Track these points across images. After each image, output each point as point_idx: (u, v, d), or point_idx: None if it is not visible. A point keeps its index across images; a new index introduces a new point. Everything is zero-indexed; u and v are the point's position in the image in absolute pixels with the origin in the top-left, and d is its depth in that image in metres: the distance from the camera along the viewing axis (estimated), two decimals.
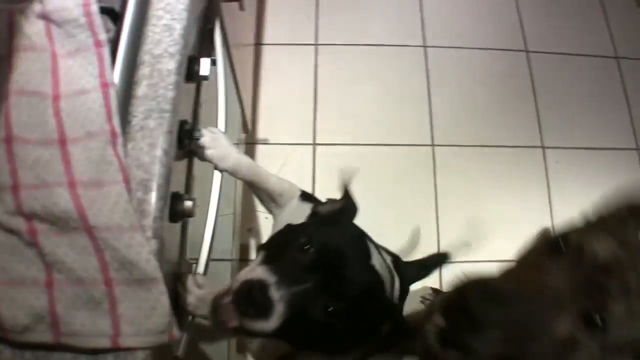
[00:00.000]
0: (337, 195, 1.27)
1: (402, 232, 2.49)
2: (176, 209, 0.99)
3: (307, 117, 2.75)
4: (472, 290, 0.90)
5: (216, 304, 0.99)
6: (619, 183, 2.80)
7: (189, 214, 1.02)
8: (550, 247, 0.97)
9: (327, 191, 2.50)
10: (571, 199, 2.65)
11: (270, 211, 1.44)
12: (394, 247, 1.59)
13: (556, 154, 2.79)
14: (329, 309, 0.96)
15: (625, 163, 2.88)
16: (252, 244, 2.45)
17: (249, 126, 2.47)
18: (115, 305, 0.81)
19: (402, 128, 2.78)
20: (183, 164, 1.14)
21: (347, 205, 1.20)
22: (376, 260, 1.11)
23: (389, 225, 2.50)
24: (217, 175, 1.22)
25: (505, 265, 1.04)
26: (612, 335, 0.83)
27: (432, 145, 2.74)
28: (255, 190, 1.40)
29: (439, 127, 2.80)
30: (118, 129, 0.87)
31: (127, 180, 0.84)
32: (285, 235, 1.10)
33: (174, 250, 1.08)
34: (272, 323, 0.92)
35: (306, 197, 1.44)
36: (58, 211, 0.80)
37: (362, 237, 1.13)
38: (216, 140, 1.23)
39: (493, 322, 0.85)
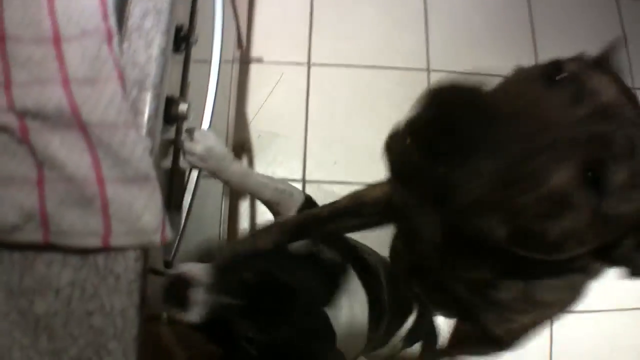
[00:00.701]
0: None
1: None
2: (171, 112, 0.99)
3: (303, 36, 2.71)
4: (456, 98, 0.68)
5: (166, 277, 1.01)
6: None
7: (184, 116, 1.01)
8: (543, 72, 0.78)
9: (319, 113, 2.52)
10: None
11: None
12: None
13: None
14: (248, 335, 0.99)
15: None
16: (244, 162, 2.44)
17: (244, 43, 2.44)
18: (107, 204, 0.80)
19: (399, 51, 2.75)
20: (178, 70, 1.12)
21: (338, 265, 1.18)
22: (343, 316, 1.12)
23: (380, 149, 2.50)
24: (212, 83, 1.21)
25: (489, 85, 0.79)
26: (609, 201, 0.70)
27: (428, 70, 2.72)
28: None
29: (435, 52, 2.77)
30: (114, 29, 0.86)
31: (121, 78, 0.83)
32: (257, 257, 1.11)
33: (169, 154, 1.08)
34: (188, 317, 0.96)
35: (310, 203, 1.45)
36: (51, 108, 0.80)
37: (334, 289, 1.13)
38: (210, 149, 1.22)
39: (485, 149, 0.65)
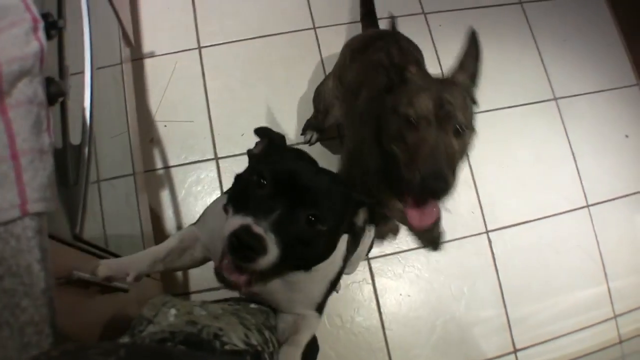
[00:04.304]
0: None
1: (299, 114, 2.69)
2: (51, 92, 1.04)
3: (189, 22, 2.84)
4: None
5: (218, 271, 1.09)
6: (503, 39, 2.92)
7: (63, 92, 1.07)
8: None
9: (218, 92, 2.60)
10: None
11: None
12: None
13: (438, 19, 2.95)
14: (310, 218, 1.08)
15: (511, 16, 3.12)
16: (156, 154, 2.57)
17: (132, 40, 2.51)
18: (21, 175, 0.92)
19: (283, 16, 2.91)
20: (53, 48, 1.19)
21: (273, 138, 1.28)
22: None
23: (286, 110, 2.71)
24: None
25: None
26: None
27: (314, 27, 2.88)
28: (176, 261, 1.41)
29: (318, 8, 2.93)
30: None
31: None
32: (239, 184, 1.21)
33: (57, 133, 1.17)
34: (272, 253, 1.03)
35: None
36: None
37: (300, 152, 1.24)
38: (114, 266, 1.27)
39: None
